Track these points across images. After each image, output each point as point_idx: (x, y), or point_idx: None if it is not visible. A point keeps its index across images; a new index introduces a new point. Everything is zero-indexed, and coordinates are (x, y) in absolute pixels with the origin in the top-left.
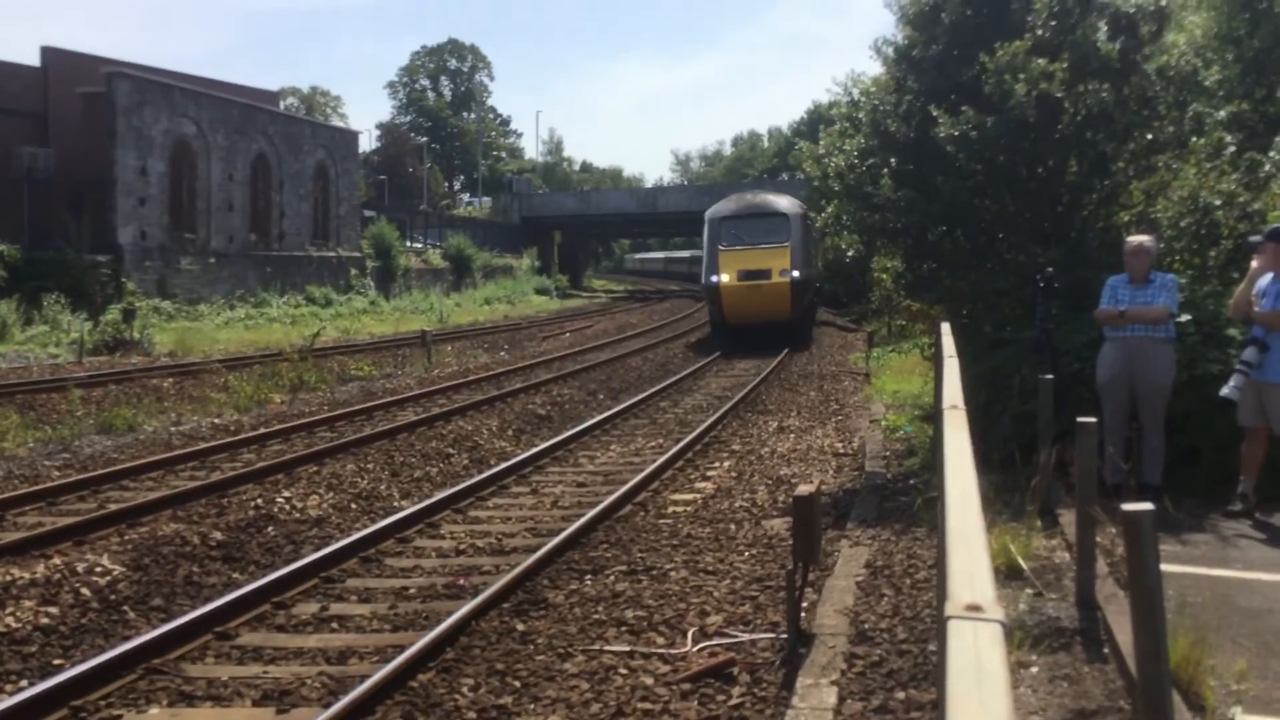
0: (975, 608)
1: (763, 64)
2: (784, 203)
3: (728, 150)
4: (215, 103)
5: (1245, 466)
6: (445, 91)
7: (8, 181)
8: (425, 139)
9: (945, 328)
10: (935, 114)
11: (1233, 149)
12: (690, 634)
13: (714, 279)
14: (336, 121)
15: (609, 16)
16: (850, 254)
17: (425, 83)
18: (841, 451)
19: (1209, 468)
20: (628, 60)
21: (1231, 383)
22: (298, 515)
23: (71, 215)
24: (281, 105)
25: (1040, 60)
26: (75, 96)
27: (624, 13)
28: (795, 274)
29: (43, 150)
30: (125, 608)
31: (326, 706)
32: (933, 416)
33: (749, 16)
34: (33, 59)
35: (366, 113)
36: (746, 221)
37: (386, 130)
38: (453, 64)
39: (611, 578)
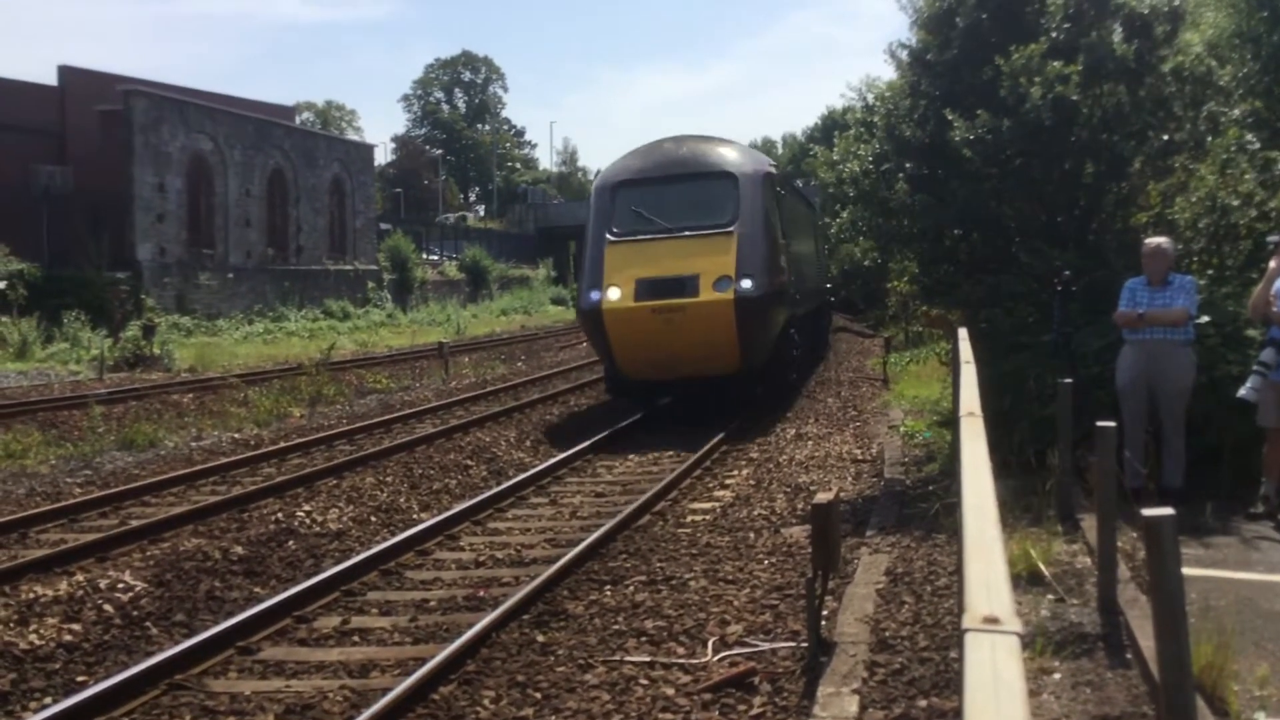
0: (993, 619)
1: (775, 71)
2: (731, 156)
3: None
4: (231, 119)
5: (1267, 468)
6: (459, 104)
7: (27, 200)
8: (440, 151)
9: (963, 333)
10: (950, 118)
11: (1256, 147)
12: (710, 643)
13: (592, 297)
14: (352, 135)
15: (621, 27)
16: (866, 261)
17: (439, 95)
18: (860, 458)
19: (1230, 470)
20: (641, 70)
21: (1249, 384)
22: (318, 529)
23: (90, 233)
24: (297, 120)
25: (1056, 63)
26: (92, 115)
27: (636, 24)
28: (746, 284)
29: (61, 169)
30: (148, 624)
31: None
32: (951, 422)
33: (761, 25)
34: (50, 78)
35: (381, 126)
36: (658, 189)
37: (401, 143)
38: (466, 76)
39: (631, 588)
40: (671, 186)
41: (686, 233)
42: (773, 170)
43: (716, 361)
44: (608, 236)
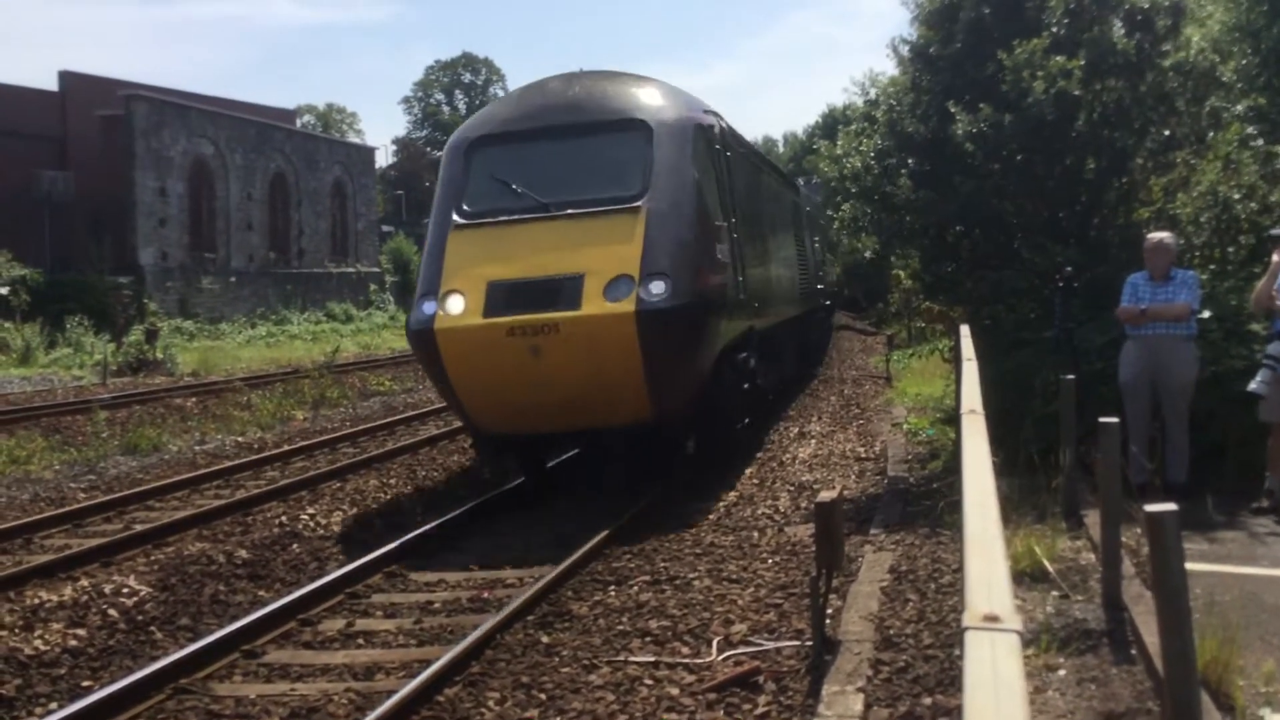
0: (993, 618)
1: (776, 71)
2: (644, 98)
3: None
4: (232, 122)
5: (1271, 463)
6: (460, 105)
7: (29, 205)
8: (441, 153)
9: (964, 330)
10: (953, 110)
11: (1260, 142)
12: (715, 643)
13: (424, 310)
14: (353, 138)
15: (621, 28)
16: (868, 252)
17: (440, 97)
18: (864, 456)
19: (1234, 465)
20: (641, 71)
21: (1259, 378)
22: (322, 532)
23: (92, 238)
24: (298, 123)
25: (1058, 58)
26: (93, 120)
27: (636, 24)
28: (658, 288)
29: (62, 174)
30: (152, 628)
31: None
32: (954, 419)
33: (761, 25)
34: (51, 83)
35: (382, 128)
36: (532, 148)
37: (402, 145)
38: (467, 78)
39: (635, 588)
40: (553, 144)
41: (570, 211)
42: (712, 122)
43: (614, 408)
44: (454, 218)
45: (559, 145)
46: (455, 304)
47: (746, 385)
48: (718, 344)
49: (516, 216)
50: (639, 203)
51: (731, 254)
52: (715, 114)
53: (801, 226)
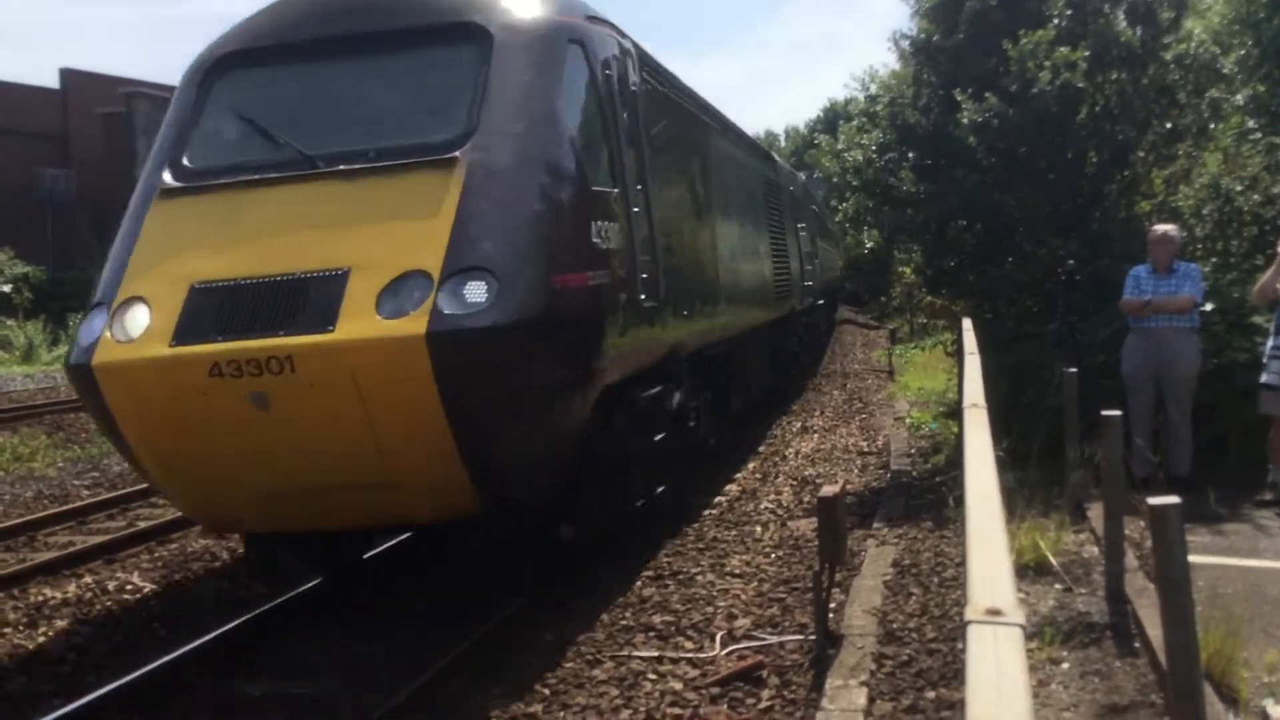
0: (995, 611)
1: (777, 65)
2: None
3: None
4: None
5: (1273, 455)
6: None
7: (30, 204)
8: None
9: (967, 323)
10: (960, 99)
11: (1259, 135)
12: (718, 637)
13: (93, 329)
14: None
15: (619, 24)
16: (869, 243)
17: None
18: (866, 450)
19: (1237, 457)
20: None
21: (1271, 369)
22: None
23: (94, 235)
24: None
25: (1063, 49)
26: (94, 117)
27: (634, 21)
28: (475, 293)
29: (64, 172)
30: (157, 625)
31: (361, 717)
32: (957, 413)
33: (761, 19)
34: (52, 81)
35: None
36: (303, 72)
37: None
38: None
39: (638, 583)
40: (335, 65)
41: (344, 168)
42: (607, 35)
43: (409, 496)
44: (163, 178)
45: (343, 67)
46: (135, 320)
47: (661, 435)
48: (597, 380)
49: (262, 176)
50: (456, 153)
51: (630, 238)
52: (613, 26)
53: (780, 208)
